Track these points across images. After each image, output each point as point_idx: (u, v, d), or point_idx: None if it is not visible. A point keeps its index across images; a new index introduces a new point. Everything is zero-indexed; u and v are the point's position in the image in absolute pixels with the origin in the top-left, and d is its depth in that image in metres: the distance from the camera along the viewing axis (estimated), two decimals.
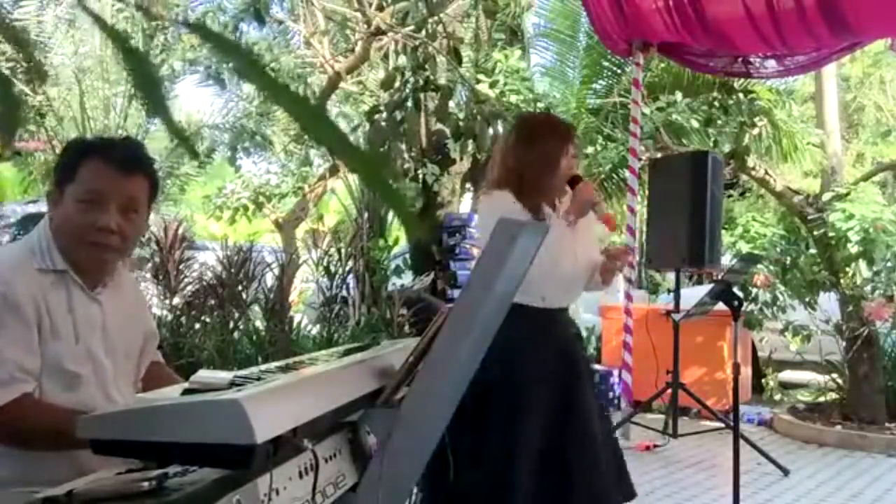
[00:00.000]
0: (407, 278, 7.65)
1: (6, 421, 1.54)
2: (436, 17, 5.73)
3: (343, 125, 9.79)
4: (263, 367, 1.46)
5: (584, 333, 5.48)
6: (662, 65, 7.90)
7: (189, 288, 5.91)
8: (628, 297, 5.75)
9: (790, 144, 7.70)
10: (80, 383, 1.66)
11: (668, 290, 7.92)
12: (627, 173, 5.74)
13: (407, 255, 7.92)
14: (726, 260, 6.26)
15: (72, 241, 1.68)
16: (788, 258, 6.25)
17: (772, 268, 6.19)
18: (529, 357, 2.58)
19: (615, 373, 6.22)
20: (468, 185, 8.38)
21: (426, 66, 5.78)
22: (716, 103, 7.33)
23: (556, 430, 2.54)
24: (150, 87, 0.51)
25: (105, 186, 1.67)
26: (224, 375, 1.23)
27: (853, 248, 5.61)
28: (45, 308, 1.62)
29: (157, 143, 9.81)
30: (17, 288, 1.59)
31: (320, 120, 0.52)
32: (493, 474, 2.49)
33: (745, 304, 4.89)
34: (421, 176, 7.51)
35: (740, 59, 5.55)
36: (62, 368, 1.64)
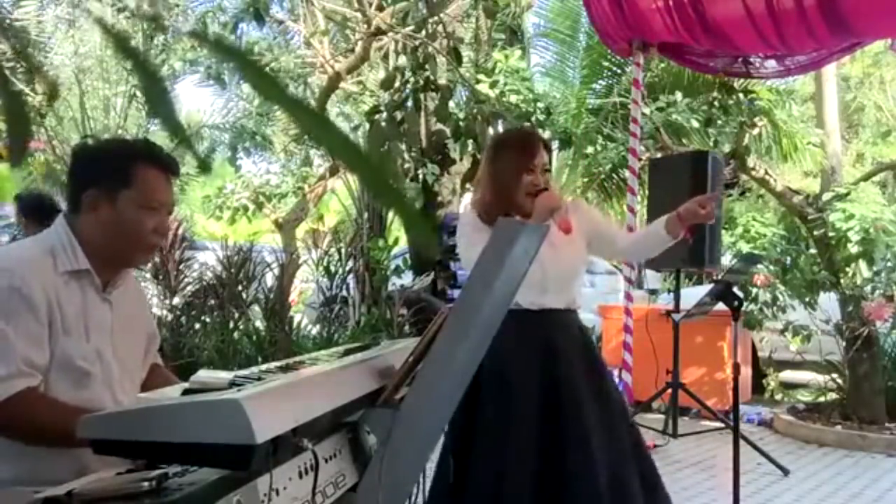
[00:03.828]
0: (407, 278, 7.65)
1: (8, 414, 1.55)
2: (436, 17, 5.74)
3: (343, 125, 9.80)
4: (263, 367, 1.46)
5: None
6: (662, 65, 7.90)
7: (189, 288, 5.92)
8: (628, 297, 5.75)
9: (790, 144, 7.70)
10: (90, 382, 1.68)
11: (668, 290, 7.92)
12: (627, 173, 5.73)
13: (407, 255, 7.92)
14: (726, 260, 6.26)
15: (131, 243, 1.73)
16: (788, 258, 6.24)
17: (772, 268, 6.18)
18: (508, 360, 2.56)
19: (615, 373, 6.21)
20: (468, 185, 8.39)
21: (426, 66, 5.78)
22: (716, 103, 7.33)
23: (548, 431, 2.53)
24: (161, 101, 0.51)
25: (163, 194, 1.76)
26: (224, 375, 1.23)
27: (853, 248, 5.60)
28: (58, 305, 1.64)
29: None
30: (33, 284, 1.61)
31: (324, 126, 0.52)
32: (486, 484, 2.48)
33: (745, 304, 4.89)
34: (421, 176, 7.51)
35: (740, 59, 5.54)
36: (73, 365, 1.65)
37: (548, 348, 2.62)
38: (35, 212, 4.04)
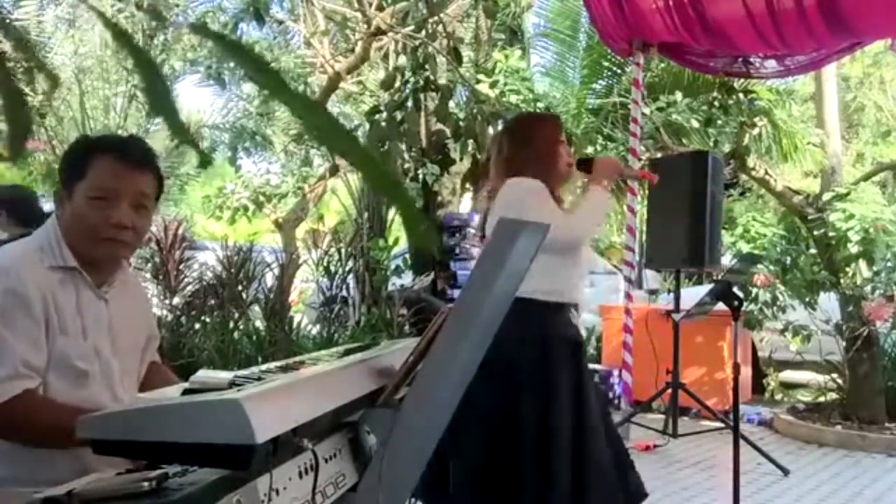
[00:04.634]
0: (407, 278, 7.65)
1: (8, 417, 1.55)
2: (436, 17, 5.73)
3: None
4: (263, 367, 1.46)
5: (584, 333, 5.48)
6: (662, 65, 7.89)
7: (189, 288, 5.92)
8: (628, 297, 5.76)
9: (790, 144, 7.69)
10: (88, 380, 1.67)
11: (668, 290, 7.92)
12: None
13: (407, 255, 7.92)
14: (726, 260, 6.26)
15: (86, 237, 1.69)
16: (788, 258, 6.25)
17: (772, 268, 6.19)
18: (554, 354, 2.62)
19: (615, 373, 6.22)
20: (468, 185, 8.38)
21: (426, 66, 5.78)
22: (716, 103, 7.33)
23: (575, 428, 2.59)
24: (162, 97, 0.51)
25: (117, 183, 1.70)
26: (224, 375, 1.23)
27: (853, 248, 5.61)
28: (54, 305, 1.63)
29: (157, 142, 9.82)
30: (28, 284, 1.60)
31: (327, 122, 0.52)
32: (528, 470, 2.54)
33: (745, 304, 4.90)
34: (421, 176, 7.51)
35: (740, 59, 5.54)
36: (70, 364, 1.65)
37: (577, 343, 2.74)
38: (19, 212, 3.66)
